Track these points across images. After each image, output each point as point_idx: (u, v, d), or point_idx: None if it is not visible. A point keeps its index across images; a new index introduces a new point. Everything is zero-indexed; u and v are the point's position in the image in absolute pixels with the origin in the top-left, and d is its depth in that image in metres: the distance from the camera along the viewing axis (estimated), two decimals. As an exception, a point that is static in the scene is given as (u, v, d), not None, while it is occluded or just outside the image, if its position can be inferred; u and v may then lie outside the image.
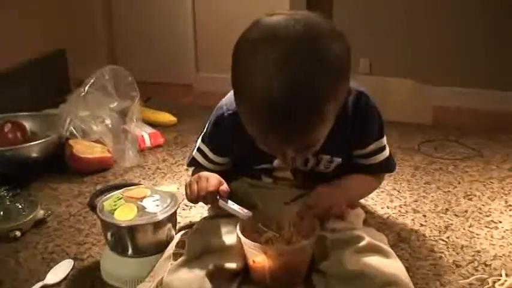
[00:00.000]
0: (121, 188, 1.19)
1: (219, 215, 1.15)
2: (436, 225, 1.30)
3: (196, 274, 0.98)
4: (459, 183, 1.52)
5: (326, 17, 0.98)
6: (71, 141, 1.65)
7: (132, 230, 1.07)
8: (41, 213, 1.35)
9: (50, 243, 1.27)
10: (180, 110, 2.11)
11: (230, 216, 1.12)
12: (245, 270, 1.07)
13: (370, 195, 1.43)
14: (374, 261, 1.00)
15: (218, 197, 1.09)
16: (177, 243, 1.08)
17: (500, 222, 1.31)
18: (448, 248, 1.20)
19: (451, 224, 1.30)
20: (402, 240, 1.24)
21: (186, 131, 1.93)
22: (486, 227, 1.29)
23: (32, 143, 1.59)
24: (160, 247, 1.10)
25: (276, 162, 1.18)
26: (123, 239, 1.08)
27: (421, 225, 1.30)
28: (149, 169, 1.67)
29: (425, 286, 1.07)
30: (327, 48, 0.93)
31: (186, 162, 1.35)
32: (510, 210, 1.37)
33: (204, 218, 1.19)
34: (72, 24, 2.95)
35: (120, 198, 1.12)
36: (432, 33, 4.51)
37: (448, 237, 1.25)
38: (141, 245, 1.09)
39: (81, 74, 1.83)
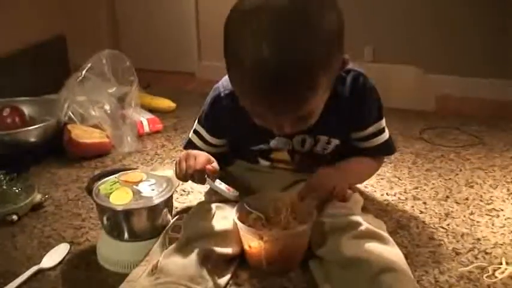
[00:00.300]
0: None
1: (216, 200, 1.14)
2: (436, 213, 1.28)
3: (192, 259, 0.98)
4: (460, 170, 1.50)
5: None
6: (69, 126, 1.64)
7: (127, 214, 1.06)
8: (38, 197, 1.35)
9: (46, 228, 1.26)
10: (180, 97, 2.10)
11: (226, 202, 1.12)
12: (242, 255, 1.07)
13: (370, 182, 1.42)
14: (371, 247, 0.99)
15: (206, 176, 1.08)
16: (173, 227, 1.08)
17: (502, 210, 1.29)
18: (448, 235, 1.19)
19: (452, 212, 1.29)
20: (401, 227, 1.22)
21: (185, 117, 1.92)
22: (487, 214, 1.28)
23: (29, 128, 1.58)
24: (156, 231, 1.09)
25: (272, 142, 1.17)
26: (119, 223, 1.07)
27: (421, 212, 1.29)
28: (147, 155, 1.66)
29: (424, 273, 1.05)
30: (316, 16, 0.91)
31: (182, 144, 1.34)
32: (512, 198, 1.35)
33: (200, 202, 1.17)
34: (74, 11, 2.92)
35: (115, 183, 1.11)
36: (436, 22, 4.47)
37: (448, 225, 1.23)
38: (137, 229, 1.08)
39: (82, 61, 1.82)
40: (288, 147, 1.18)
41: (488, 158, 1.58)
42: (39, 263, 1.11)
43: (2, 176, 1.37)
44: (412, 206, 1.32)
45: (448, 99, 2.66)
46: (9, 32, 2.09)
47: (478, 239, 1.17)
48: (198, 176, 1.08)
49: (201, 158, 1.09)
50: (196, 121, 1.25)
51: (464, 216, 1.27)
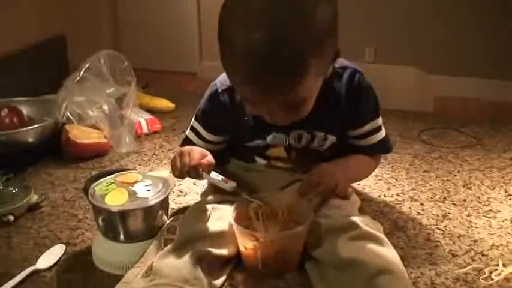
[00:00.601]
0: (117, 174, 1.18)
1: (212, 201, 1.14)
2: (433, 214, 1.28)
3: (187, 260, 0.97)
4: (458, 172, 1.50)
5: None
6: (67, 127, 1.63)
7: (123, 214, 1.06)
8: (34, 198, 1.34)
9: (42, 228, 1.26)
10: (179, 97, 2.10)
11: (223, 202, 1.11)
12: (237, 257, 1.06)
13: (367, 183, 1.42)
14: (368, 248, 0.98)
15: (201, 170, 1.08)
16: (169, 228, 1.07)
17: (499, 211, 1.29)
18: (444, 237, 1.19)
19: (449, 213, 1.28)
20: (398, 228, 1.22)
21: (184, 117, 1.92)
22: (485, 216, 1.27)
23: (27, 128, 1.57)
24: (151, 232, 1.09)
25: (269, 138, 1.17)
26: (114, 223, 1.07)
27: (418, 213, 1.28)
28: (146, 155, 1.65)
29: (420, 275, 1.05)
30: (309, 2, 0.92)
31: (179, 142, 1.34)
32: (510, 199, 1.35)
33: (196, 203, 1.17)
34: (74, 11, 2.92)
35: (111, 183, 1.11)
36: (438, 23, 4.47)
37: (445, 226, 1.23)
38: (132, 230, 1.08)
39: (82, 61, 1.81)
40: (284, 144, 1.18)
41: (486, 159, 1.57)
42: (34, 263, 1.10)
43: (-2, 176, 1.37)
44: (410, 207, 1.31)
45: (449, 100, 2.65)
46: (8, 31, 2.09)
47: (475, 241, 1.17)
48: (194, 171, 1.08)
49: (195, 153, 1.09)
50: (194, 118, 1.25)
51: (462, 217, 1.26)
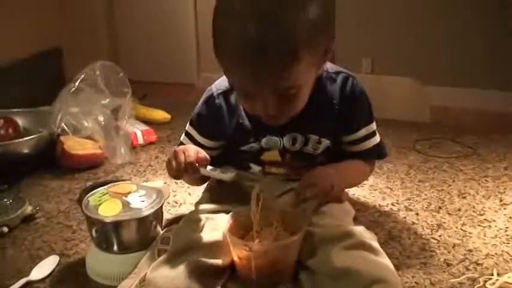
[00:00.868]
0: (112, 185, 1.18)
1: (205, 211, 1.14)
2: (428, 224, 1.28)
3: (180, 271, 0.97)
4: (453, 181, 1.50)
5: None
6: (62, 138, 1.63)
7: (116, 225, 1.05)
8: (29, 209, 1.34)
9: (37, 239, 1.26)
10: (176, 108, 2.10)
11: (217, 212, 1.12)
12: (231, 267, 1.06)
13: (362, 193, 1.42)
14: (362, 258, 0.98)
15: (197, 166, 1.08)
16: (162, 239, 1.07)
17: (494, 220, 1.29)
18: (439, 246, 1.18)
19: (444, 223, 1.28)
20: (393, 238, 1.22)
21: (180, 128, 1.89)
22: (479, 225, 1.27)
23: (22, 139, 1.57)
24: (145, 243, 1.09)
25: (263, 141, 1.18)
26: (108, 234, 1.07)
27: (413, 223, 1.28)
28: (141, 166, 1.65)
29: (414, 285, 1.05)
30: None
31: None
32: (505, 209, 1.35)
33: (190, 213, 1.17)
34: (72, 23, 2.94)
35: (105, 194, 1.11)
36: (434, 34, 4.49)
37: (440, 236, 1.23)
38: (126, 241, 1.08)
39: (78, 72, 1.82)
40: (278, 147, 1.19)
41: (481, 168, 1.57)
42: (28, 275, 1.10)
43: (-8, 188, 1.37)
44: (404, 217, 1.31)
45: (445, 110, 2.67)
46: (5, 43, 2.10)
47: (470, 250, 1.17)
48: (191, 167, 1.08)
49: (190, 151, 1.10)
50: (188, 123, 1.26)
51: (456, 227, 1.26)
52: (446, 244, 1.19)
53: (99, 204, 1.07)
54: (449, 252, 1.16)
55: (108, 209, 1.06)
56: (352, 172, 1.24)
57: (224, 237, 1.04)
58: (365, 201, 1.39)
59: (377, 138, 1.23)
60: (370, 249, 1.01)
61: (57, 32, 2.54)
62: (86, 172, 1.61)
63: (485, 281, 1.05)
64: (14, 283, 1.06)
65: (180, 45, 5.33)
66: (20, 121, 1.73)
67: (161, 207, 1.12)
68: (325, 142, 1.19)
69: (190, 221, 1.11)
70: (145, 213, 1.07)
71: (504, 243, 1.19)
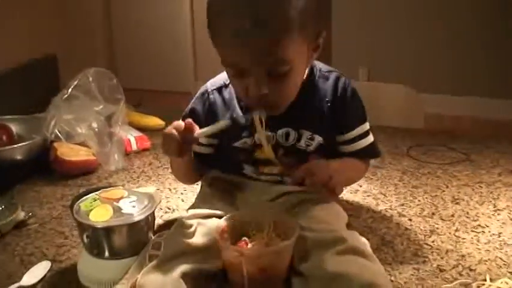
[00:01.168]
0: (104, 191, 1.17)
1: (197, 216, 1.13)
2: (421, 230, 1.28)
3: (171, 276, 0.96)
4: (447, 187, 1.50)
5: None
6: (55, 144, 1.63)
7: (107, 231, 1.05)
8: (21, 215, 1.34)
9: (29, 245, 1.25)
10: (171, 115, 2.08)
11: (208, 217, 1.11)
12: (223, 273, 1.05)
13: (355, 199, 1.42)
14: (355, 263, 0.98)
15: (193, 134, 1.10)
16: (153, 244, 1.06)
17: (488, 226, 1.29)
18: (432, 252, 1.18)
19: (437, 228, 1.28)
20: (386, 243, 1.21)
21: (175, 135, 1.91)
22: (473, 231, 1.27)
23: (15, 146, 1.57)
24: (137, 249, 1.08)
25: (257, 136, 1.18)
26: (99, 240, 1.06)
27: (406, 229, 1.28)
28: (134, 172, 1.65)
29: (407, 290, 1.05)
30: None
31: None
32: (498, 214, 1.35)
33: (181, 218, 1.16)
34: (68, 31, 2.95)
35: (96, 200, 1.11)
36: (429, 43, 4.50)
37: (433, 242, 1.22)
38: (117, 247, 1.07)
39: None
40: (271, 142, 1.19)
41: (475, 174, 1.57)
42: (19, 281, 1.09)
43: (-15, 194, 1.37)
44: (398, 223, 1.31)
45: (441, 118, 2.68)
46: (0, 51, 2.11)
47: (463, 256, 1.16)
48: (188, 139, 1.10)
49: (177, 125, 1.11)
50: (181, 119, 1.25)
51: (450, 232, 1.26)
52: (439, 250, 1.19)
53: (90, 210, 1.07)
54: (442, 257, 1.16)
55: (99, 215, 1.06)
56: (349, 168, 1.25)
57: (216, 242, 1.04)
58: (358, 206, 1.39)
59: (371, 138, 1.25)
60: (363, 254, 1.01)
61: (53, 39, 2.54)
62: (79, 178, 1.61)
63: (478, 287, 1.05)
64: (4, 289, 1.06)
65: (176, 53, 5.33)
66: (14, 128, 1.72)
67: (153, 212, 1.11)
68: (318, 139, 1.19)
69: (182, 226, 1.10)
70: (137, 218, 1.07)
71: (497, 248, 1.19)
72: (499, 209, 1.37)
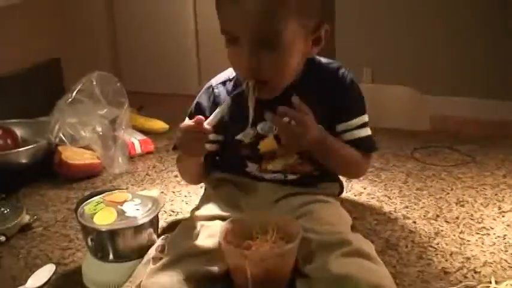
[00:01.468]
0: (108, 195, 1.18)
1: (201, 218, 1.13)
2: (425, 232, 1.27)
3: (175, 278, 0.97)
4: (452, 189, 1.49)
5: None
6: (60, 148, 1.64)
7: (111, 234, 1.05)
8: (26, 218, 1.34)
9: (34, 248, 1.26)
10: (174, 118, 2.09)
11: (212, 219, 1.12)
12: (227, 275, 1.05)
13: (360, 200, 1.42)
14: (360, 265, 0.98)
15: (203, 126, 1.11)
16: (157, 247, 1.06)
17: (492, 228, 1.28)
18: (437, 254, 1.18)
19: (442, 231, 1.28)
20: (390, 246, 1.21)
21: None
22: (477, 233, 1.27)
23: (20, 149, 1.58)
24: (141, 252, 1.08)
25: (259, 126, 1.19)
26: (103, 243, 1.07)
27: (411, 231, 1.28)
28: (138, 175, 1.65)
29: (412, 293, 1.05)
30: None
31: (172, 146, 1.35)
32: (503, 216, 1.34)
33: (185, 221, 1.16)
34: (72, 33, 2.95)
35: (100, 203, 1.11)
36: (434, 44, 4.49)
37: (437, 244, 1.22)
38: (122, 250, 1.08)
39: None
40: (274, 131, 1.19)
41: (479, 176, 1.57)
42: (24, 284, 1.10)
43: (-10, 197, 1.37)
44: (402, 226, 1.31)
45: (446, 119, 2.67)
46: (3, 54, 2.11)
47: (468, 258, 1.16)
48: (204, 133, 1.11)
49: (188, 126, 1.13)
50: (187, 116, 1.27)
51: (454, 235, 1.26)
52: (444, 252, 1.19)
53: (95, 213, 1.07)
54: (446, 260, 1.16)
55: (103, 218, 1.06)
56: (345, 151, 1.22)
57: (219, 245, 1.04)
58: (362, 209, 1.39)
59: (369, 131, 1.25)
60: (368, 257, 1.01)
61: (56, 43, 2.55)
62: (83, 182, 1.61)
63: (483, 289, 1.05)
64: (10, 292, 1.07)
65: (180, 56, 5.32)
66: (19, 131, 1.73)
67: (157, 215, 1.11)
68: (318, 126, 1.19)
69: (186, 229, 1.11)
70: (141, 221, 1.07)
71: (502, 251, 1.19)
72: (503, 211, 1.37)
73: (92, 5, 4.18)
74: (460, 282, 1.07)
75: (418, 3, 4.43)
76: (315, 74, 1.21)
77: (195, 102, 1.29)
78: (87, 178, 1.63)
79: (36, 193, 1.55)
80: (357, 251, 1.01)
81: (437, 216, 1.35)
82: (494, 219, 1.33)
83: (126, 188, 1.53)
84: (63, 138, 1.66)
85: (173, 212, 1.39)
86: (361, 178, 1.54)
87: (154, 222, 1.11)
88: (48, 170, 1.64)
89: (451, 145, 1.79)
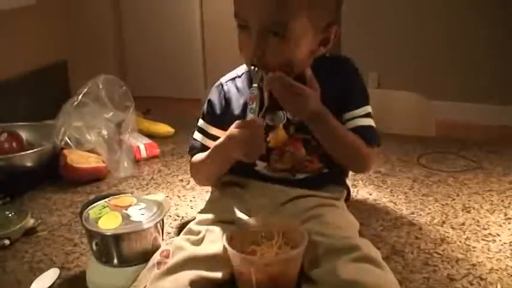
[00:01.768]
0: (113, 199, 1.17)
1: (206, 223, 1.13)
2: (431, 238, 1.27)
3: (180, 283, 0.96)
4: (458, 195, 1.48)
5: None
6: (65, 151, 1.64)
7: (116, 238, 1.05)
8: (31, 222, 1.34)
9: (38, 252, 1.25)
10: (180, 122, 2.09)
11: (217, 224, 1.12)
12: (232, 280, 1.05)
13: (365, 207, 1.41)
14: (368, 271, 0.98)
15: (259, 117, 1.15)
16: (162, 252, 1.06)
17: (499, 235, 1.28)
18: (443, 261, 1.17)
19: (447, 237, 1.27)
20: (396, 252, 1.21)
21: (184, 142, 1.90)
22: (483, 239, 1.26)
23: (25, 152, 1.58)
24: (146, 257, 1.08)
25: (268, 117, 1.21)
26: (107, 247, 1.06)
27: (416, 238, 1.27)
28: (143, 179, 1.65)
29: (417, 299, 1.04)
30: None
31: (188, 150, 1.37)
32: (509, 223, 1.33)
33: (190, 225, 1.16)
34: (79, 38, 2.96)
35: (105, 207, 1.11)
36: (440, 49, 4.49)
37: (443, 250, 1.21)
38: (126, 254, 1.07)
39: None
40: (283, 120, 1.22)
41: (486, 182, 1.56)
42: (28, 288, 1.10)
43: (-6, 201, 1.37)
44: (408, 232, 1.30)
45: (453, 125, 2.67)
46: (10, 57, 2.11)
47: (474, 265, 1.15)
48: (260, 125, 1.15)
49: (245, 123, 1.15)
50: (200, 120, 1.31)
51: (460, 241, 1.25)
52: (450, 259, 1.18)
53: (99, 217, 1.07)
54: (452, 266, 1.15)
55: (108, 222, 1.06)
56: (343, 132, 1.22)
57: (225, 250, 1.04)
58: (368, 215, 1.38)
59: (372, 122, 1.26)
60: (376, 263, 1.00)
61: (63, 46, 2.56)
62: (88, 185, 1.61)
63: (489, 296, 1.04)
64: (14, 296, 1.06)
65: (186, 60, 5.34)
66: (24, 135, 1.73)
67: (162, 220, 1.11)
68: None
69: (190, 233, 1.10)
70: (146, 226, 1.07)
71: (508, 257, 1.18)
72: (510, 218, 1.36)
73: (99, 9, 4.20)
74: (466, 289, 1.07)
75: (425, 8, 4.43)
76: (322, 62, 1.23)
77: (206, 101, 1.31)
78: (92, 182, 1.63)
79: (41, 197, 1.55)
80: (366, 257, 1.01)
81: (443, 222, 1.34)
82: (500, 226, 1.32)
83: (131, 192, 1.53)
84: (69, 142, 1.66)
85: (178, 216, 1.38)
86: (367, 183, 1.54)
87: (159, 226, 1.11)
88: (53, 174, 1.63)
89: (457, 151, 1.78)
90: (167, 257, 1.04)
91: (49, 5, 2.66)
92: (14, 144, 1.67)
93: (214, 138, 1.27)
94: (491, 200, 1.45)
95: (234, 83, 1.30)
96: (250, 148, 1.15)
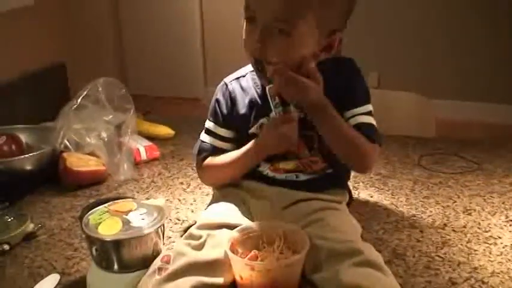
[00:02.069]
0: (113, 202, 1.17)
1: (207, 227, 1.13)
2: (433, 241, 1.26)
3: (181, 289, 0.96)
4: (459, 197, 1.48)
5: None
6: (64, 154, 1.63)
7: (116, 244, 1.04)
8: (30, 226, 1.33)
9: (38, 257, 1.25)
10: (180, 124, 2.09)
11: (218, 228, 1.12)
12: (233, 286, 1.05)
13: (366, 209, 1.41)
14: (371, 275, 0.98)
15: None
16: (163, 257, 1.06)
17: (500, 237, 1.27)
18: (444, 264, 1.17)
19: (449, 240, 1.27)
20: (397, 256, 1.20)
21: (184, 144, 1.90)
22: (485, 242, 1.25)
23: (24, 156, 1.57)
24: (146, 262, 1.07)
25: (272, 114, 1.20)
26: (107, 253, 1.06)
27: (418, 241, 1.27)
28: (144, 182, 1.64)
29: (419, 303, 1.04)
30: None
31: (194, 151, 1.35)
32: (510, 225, 1.33)
33: (191, 230, 1.15)
34: (78, 40, 2.95)
35: (105, 212, 1.10)
36: (441, 48, 4.49)
37: (445, 253, 1.21)
38: (126, 260, 1.06)
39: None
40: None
41: (487, 184, 1.55)
42: (28, 293, 1.09)
43: (-7, 205, 1.37)
44: (409, 235, 1.30)
45: (453, 124, 2.66)
46: (8, 59, 2.11)
47: (475, 268, 1.15)
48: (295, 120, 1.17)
49: (281, 118, 1.18)
50: (208, 118, 1.31)
51: (462, 244, 1.25)
52: (451, 262, 1.18)
53: (99, 223, 1.06)
54: (454, 270, 1.15)
55: (108, 228, 1.05)
56: (344, 125, 1.21)
57: (226, 255, 1.03)
58: (369, 218, 1.38)
59: (373, 120, 1.25)
60: (378, 267, 1.00)
61: (62, 47, 2.55)
62: (88, 189, 1.60)
63: (491, 300, 1.04)
64: (13, 302, 1.06)
65: (186, 60, 5.33)
66: (23, 137, 1.72)
67: (163, 225, 1.10)
68: None
69: (191, 238, 1.10)
70: (146, 231, 1.06)
71: (510, 260, 1.18)
72: (511, 220, 1.36)
73: (98, 10, 4.19)
74: (468, 293, 1.07)
75: (425, 8, 4.43)
76: (324, 65, 1.22)
77: (214, 100, 1.31)
78: (92, 185, 1.62)
79: (41, 200, 1.54)
80: (368, 261, 1.01)
81: (445, 225, 1.34)
82: (502, 228, 1.32)
83: (132, 195, 1.53)
84: (68, 145, 1.65)
85: (179, 220, 1.38)
86: (368, 185, 1.54)
87: (160, 232, 1.10)
88: (53, 177, 1.63)
89: (457, 151, 1.77)
90: (168, 262, 1.04)
91: (47, 6, 2.65)
92: (14, 147, 1.66)
93: (223, 139, 1.29)
94: (493, 202, 1.45)
95: (238, 82, 1.30)
96: (294, 139, 1.18)
